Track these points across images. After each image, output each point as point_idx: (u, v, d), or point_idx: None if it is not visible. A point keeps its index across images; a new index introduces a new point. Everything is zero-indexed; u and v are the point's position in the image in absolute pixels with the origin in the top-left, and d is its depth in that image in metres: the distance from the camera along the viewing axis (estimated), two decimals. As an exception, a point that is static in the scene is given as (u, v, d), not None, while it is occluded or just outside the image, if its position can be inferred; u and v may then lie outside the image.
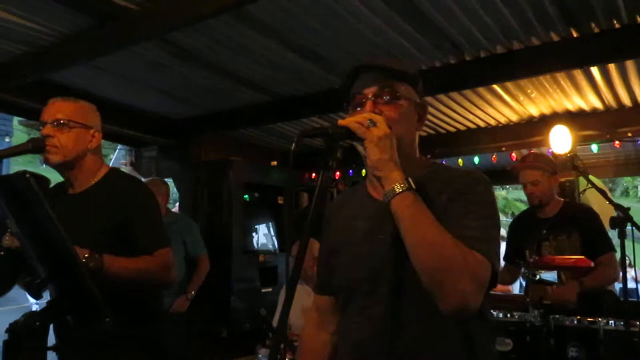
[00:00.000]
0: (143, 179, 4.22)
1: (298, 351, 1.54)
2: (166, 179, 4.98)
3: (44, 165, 1.88)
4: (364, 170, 5.62)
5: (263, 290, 4.90)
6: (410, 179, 1.09)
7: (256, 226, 5.29)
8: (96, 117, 1.92)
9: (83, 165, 1.85)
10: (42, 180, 1.54)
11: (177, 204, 5.64)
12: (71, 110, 1.83)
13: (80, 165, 1.85)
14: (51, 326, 1.31)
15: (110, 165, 2.00)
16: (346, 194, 1.54)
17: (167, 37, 3.03)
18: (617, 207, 2.60)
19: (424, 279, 1.05)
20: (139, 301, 1.79)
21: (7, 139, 12.14)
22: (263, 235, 5.35)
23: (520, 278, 2.94)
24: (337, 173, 5.56)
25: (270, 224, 5.47)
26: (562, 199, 3.09)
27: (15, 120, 15.14)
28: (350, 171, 5.90)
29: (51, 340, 1.27)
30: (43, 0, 2.62)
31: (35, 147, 1.73)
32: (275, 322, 2.98)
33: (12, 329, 1.21)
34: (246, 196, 5.06)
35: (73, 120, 1.81)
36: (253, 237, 5.21)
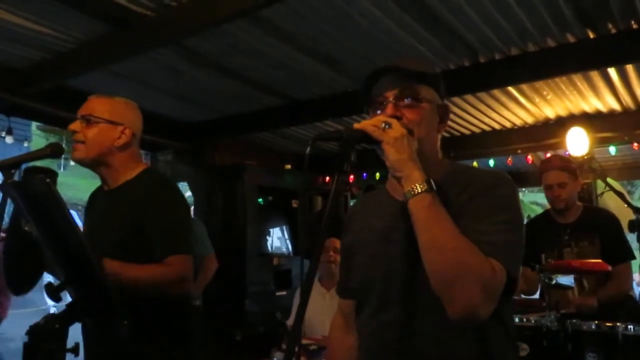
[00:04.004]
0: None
1: (327, 355, 1.54)
2: (181, 183, 5.01)
3: (62, 170, 1.91)
4: (377, 174, 5.66)
5: (277, 294, 4.91)
6: (431, 180, 1.08)
7: (270, 229, 5.31)
8: (130, 114, 1.89)
9: (113, 163, 1.83)
10: (51, 174, 1.56)
11: (192, 207, 5.68)
12: (101, 107, 1.83)
13: (109, 163, 1.83)
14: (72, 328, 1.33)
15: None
16: (369, 195, 1.52)
17: (183, 42, 3.06)
18: (636, 210, 2.57)
19: (433, 282, 1.04)
20: (162, 310, 1.72)
21: (25, 144, 12.34)
22: (277, 239, 5.37)
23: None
24: (351, 177, 5.56)
25: (284, 227, 5.49)
26: (582, 204, 3.03)
27: (34, 125, 15.40)
28: (364, 174, 5.90)
29: (70, 342, 1.29)
30: (61, 7, 2.66)
31: (53, 151, 1.70)
32: (290, 322, 2.99)
33: (32, 331, 1.23)
34: (260, 200, 5.08)
35: (97, 115, 1.80)
36: (267, 240, 5.23)
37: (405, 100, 1.19)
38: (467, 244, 1.04)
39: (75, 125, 1.80)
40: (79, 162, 1.83)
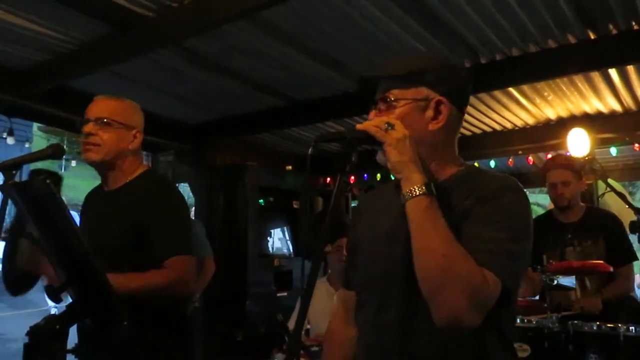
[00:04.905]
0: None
1: (325, 345, 1.53)
2: (182, 184, 5.00)
3: (63, 171, 1.90)
4: (379, 175, 5.66)
5: (278, 295, 4.90)
6: (432, 183, 1.07)
7: (271, 230, 5.31)
8: (139, 117, 1.91)
9: (122, 166, 1.85)
10: (55, 177, 1.56)
11: (193, 208, 5.68)
12: (115, 109, 1.83)
13: (119, 165, 1.84)
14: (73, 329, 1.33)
15: None
16: (380, 188, 1.51)
17: (184, 43, 3.06)
18: (637, 211, 2.57)
19: (421, 286, 1.04)
20: (160, 310, 1.73)
21: (26, 145, 12.34)
22: (278, 240, 5.36)
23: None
24: (352, 177, 5.56)
25: (285, 228, 5.48)
26: (585, 205, 3.04)
27: (35, 126, 15.41)
28: (365, 175, 5.90)
29: (70, 343, 1.29)
30: (62, 8, 2.67)
31: (55, 152, 1.69)
32: (291, 324, 3.00)
33: (33, 332, 1.23)
34: (261, 200, 5.07)
35: (116, 119, 1.81)
36: (268, 241, 5.22)
37: (382, 103, 1.21)
38: (459, 251, 1.02)
39: (89, 128, 1.79)
40: (92, 163, 1.83)
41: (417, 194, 1.06)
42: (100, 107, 1.84)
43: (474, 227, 1.08)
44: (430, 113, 1.20)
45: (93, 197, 1.98)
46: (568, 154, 3.95)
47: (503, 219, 1.09)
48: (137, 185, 1.84)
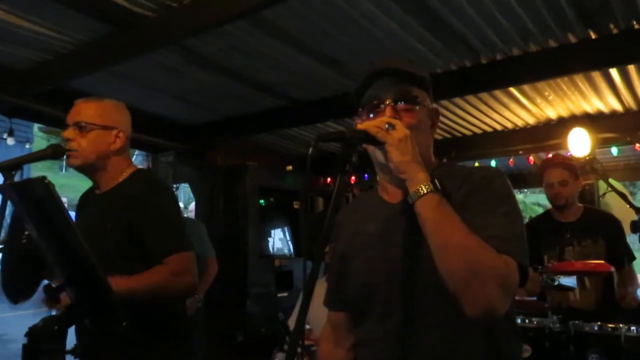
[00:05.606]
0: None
1: None
2: (183, 184, 5.00)
3: (64, 172, 1.90)
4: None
5: (279, 295, 4.90)
6: (436, 180, 1.07)
7: (272, 231, 5.30)
8: (121, 117, 1.88)
9: (107, 167, 1.84)
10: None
11: (194, 208, 5.68)
12: (92, 112, 1.81)
13: (104, 167, 1.83)
14: (71, 330, 1.33)
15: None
16: (357, 199, 1.52)
17: (184, 43, 3.06)
18: (638, 210, 2.56)
19: (449, 283, 1.02)
20: (160, 311, 1.73)
21: (27, 146, 12.32)
22: (279, 240, 5.36)
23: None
24: (353, 178, 5.54)
25: (286, 228, 5.48)
26: (582, 205, 3.04)
27: (35, 127, 15.42)
28: (366, 176, 5.89)
29: (70, 343, 1.29)
30: (62, 8, 2.66)
31: (54, 152, 1.71)
32: (291, 323, 2.99)
33: (32, 332, 1.23)
34: (262, 201, 5.07)
35: (91, 122, 1.79)
36: (269, 241, 5.22)
37: (402, 103, 1.18)
38: (479, 242, 1.03)
39: (68, 133, 1.78)
40: (76, 168, 1.83)
41: (425, 192, 1.05)
42: (78, 110, 1.82)
43: (476, 216, 1.09)
44: (430, 120, 1.26)
45: (85, 201, 1.98)
46: (569, 153, 3.95)
47: (500, 203, 1.12)
48: (128, 186, 1.83)
